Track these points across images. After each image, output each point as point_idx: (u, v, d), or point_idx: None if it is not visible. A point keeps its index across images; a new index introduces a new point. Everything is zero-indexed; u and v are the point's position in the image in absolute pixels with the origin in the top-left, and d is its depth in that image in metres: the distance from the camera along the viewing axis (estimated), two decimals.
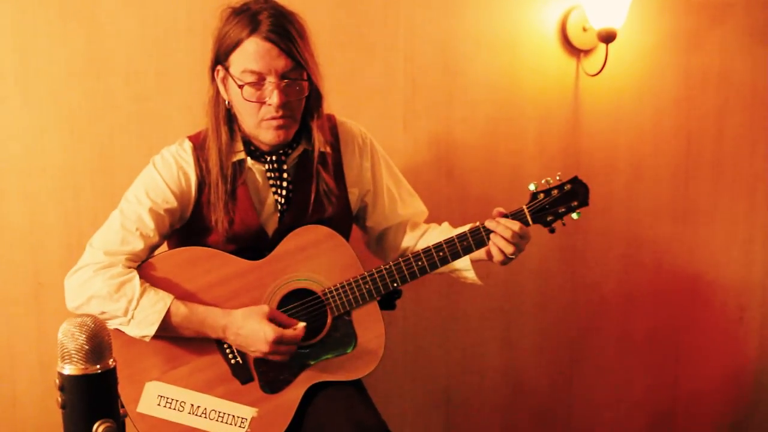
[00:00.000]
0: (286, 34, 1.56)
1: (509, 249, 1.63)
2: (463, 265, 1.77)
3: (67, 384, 1.03)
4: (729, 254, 2.80)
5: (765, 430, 2.93)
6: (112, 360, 1.06)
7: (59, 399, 1.03)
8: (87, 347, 1.02)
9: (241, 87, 1.58)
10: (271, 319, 1.60)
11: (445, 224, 1.88)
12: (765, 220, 2.82)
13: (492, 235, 1.65)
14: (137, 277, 1.60)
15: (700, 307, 2.79)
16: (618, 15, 2.36)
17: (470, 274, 1.78)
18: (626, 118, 2.60)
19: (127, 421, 1.55)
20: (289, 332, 1.59)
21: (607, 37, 2.38)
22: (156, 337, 1.59)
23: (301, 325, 1.61)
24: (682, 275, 2.75)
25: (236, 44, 1.57)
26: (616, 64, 2.50)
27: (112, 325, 1.60)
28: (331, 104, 1.76)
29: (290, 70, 1.58)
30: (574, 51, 2.50)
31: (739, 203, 2.78)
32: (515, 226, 1.62)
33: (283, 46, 1.55)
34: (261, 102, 1.59)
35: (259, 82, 1.57)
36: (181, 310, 1.60)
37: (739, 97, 2.72)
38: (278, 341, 1.58)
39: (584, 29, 2.45)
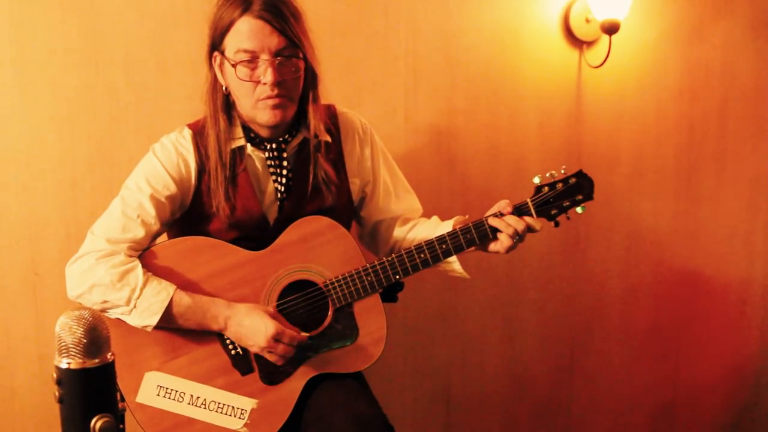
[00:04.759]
0: (279, 12, 1.56)
1: (516, 240, 1.66)
2: (451, 257, 1.76)
3: (65, 378, 1.02)
4: (731, 247, 2.79)
5: (766, 424, 2.93)
6: (110, 354, 1.05)
7: (57, 393, 1.02)
8: (85, 341, 1.01)
9: (234, 66, 1.57)
10: (274, 319, 1.60)
11: (434, 218, 1.87)
12: (767, 213, 2.81)
13: (500, 232, 1.66)
14: (140, 266, 1.59)
15: (701, 301, 2.78)
16: (621, 7, 2.34)
17: (457, 266, 1.77)
18: (629, 110, 2.59)
19: (126, 411, 1.55)
20: (289, 331, 1.59)
21: (610, 29, 2.36)
22: (157, 327, 1.58)
23: (304, 334, 1.62)
24: (684, 268, 2.74)
25: (229, 25, 1.57)
26: (619, 56, 2.48)
27: (113, 314, 1.59)
28: (332, 95, 1.76)
29: (284, 47, 1.57)
30: (577, 42, 2.48)
31: (741, 196, 2.77)
32: (520, 225, 1.64)
33: (275, 24, 1.55)
34: (256, 81, 1.58)
35: (252, 60, 1.57)
36: (184, 300, 1.59)
37: (742, 90, 2.70)
38: (277, 338, 1.57)
39: (587, 20, 2.43)
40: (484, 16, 2.39)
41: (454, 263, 1.76)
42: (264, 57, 1.56)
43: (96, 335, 1.02)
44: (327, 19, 2.21)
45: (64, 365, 1.02)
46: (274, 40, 1.56)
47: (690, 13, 2.60)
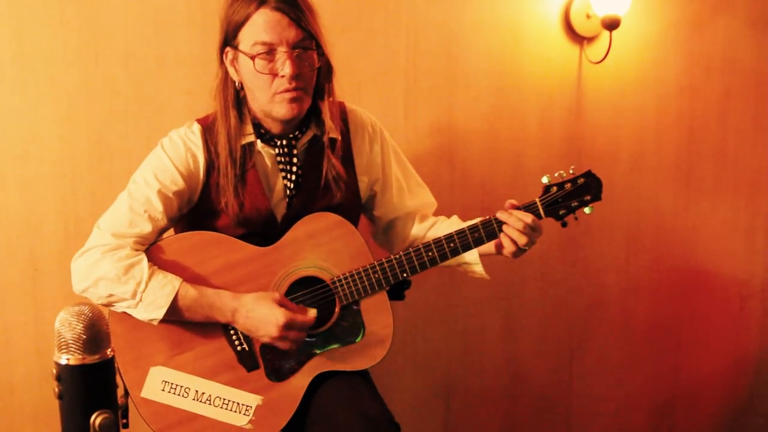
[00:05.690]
0: (295, 4, 1.56)
1: (522, 240, 1.62)
2: (472, 258, 1.76)
3: (65, 374, 1.01)
4: (731, 244, 2.78)
5: (766, 420, 2.93)
6: (110, 350, 1.04)
7: (56, 389, 1.02)
8: (85, 337, 1.01)
9: (252, 58, 1.56)
10: (281, 306, 1.59)
11: (455, 217, 1.86)
12: (767, 209, 2.80)
13: (504, 227, 1.63)
14: (145, 259, 1.58)
15: (701, 297, 2.78)
16: (622, 2, 2.33)
17: (478, 268, 1.77)
18: (629, 106, 2.58)
19: (131, 405, 1.54)
20: (299, 317, 1.58)
21: (611, 25, 2.36)
22: (163, 321, 1.58)
23: (312, 311, 1.60)
24: (684, 264, 2.74)
25: (245, 19, 1.56)
26: (620, 51, 2.48)
27: (119, 308, 1.59)
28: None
29: (301, 40, 1.57)
30: (578, 38, 2.47)
31: (741, 192, 2.77)
32: (527, 218, 1.61)
33: (293, 15, 1.55)
34: (273, 74, 1.57)
35: (270, 53, 1.56)
36: (190, 293, 1.58)
37: (743, 86, 2.70)
38: (288, 326, 1.56)
39: (588, 16, 2.42)
40: (485, 12, 2.38)
41: (475, 265, 1.76)
42: (282, 49, 1.55)
43: (96, 331, 1.02)
44: (327, 14, 2.17)
45: (63, 361, 1.01)
46: (292, 32, 1.55)
47: (690, 8, 2.60)
